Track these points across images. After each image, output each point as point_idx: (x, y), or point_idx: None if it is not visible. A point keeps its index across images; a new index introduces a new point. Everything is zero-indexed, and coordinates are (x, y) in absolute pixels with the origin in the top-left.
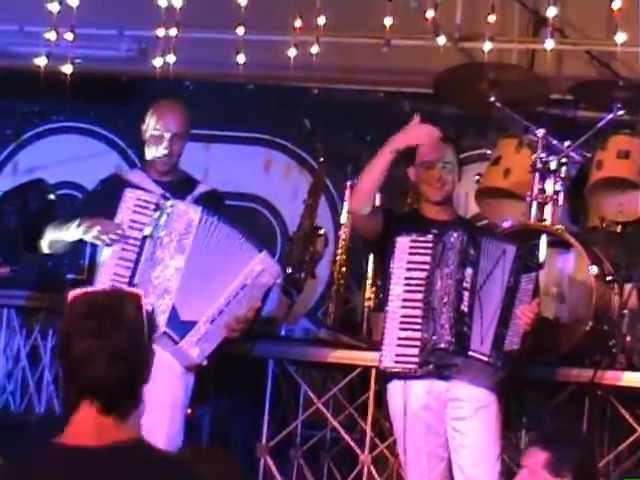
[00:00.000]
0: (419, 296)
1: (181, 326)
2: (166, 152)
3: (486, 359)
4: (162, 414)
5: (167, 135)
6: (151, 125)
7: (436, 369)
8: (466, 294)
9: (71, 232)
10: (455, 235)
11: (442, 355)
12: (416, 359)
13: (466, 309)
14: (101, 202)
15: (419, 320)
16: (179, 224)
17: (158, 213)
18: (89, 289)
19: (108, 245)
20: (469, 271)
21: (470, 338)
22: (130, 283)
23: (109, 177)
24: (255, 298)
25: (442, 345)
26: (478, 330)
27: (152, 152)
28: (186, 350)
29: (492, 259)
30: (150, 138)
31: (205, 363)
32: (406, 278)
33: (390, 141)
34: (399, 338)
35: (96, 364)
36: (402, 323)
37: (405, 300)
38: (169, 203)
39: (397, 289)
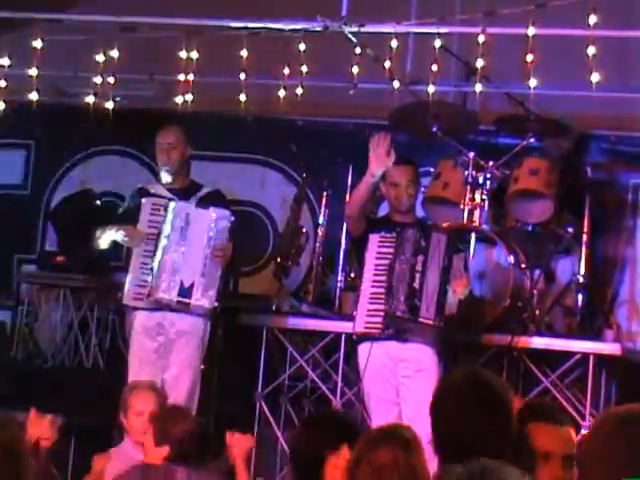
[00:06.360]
0: (383, 278)
1: (186, 291)
2: (165, 158)
3: (432, 322)
4: (185, 372)
5: (164, 145)
6: (156, 143)
7: (395, 333)
8: (417, 275)
9: (110, 234)
10: (410, 231)
11: (399, 321)
12: (380, 325)
13: (417, 286)
14: (131, 212)
15: (383, 296)
16: (180, 219)
17: (166, 213)
18: None
19: (129, 246)
20: (420, 258)
21: (420, 308)
22: (152, 269)
23: (137, 189)
24: (224, 240)
25: (398, 313)
26: (425, 301)
27: (159, 162)
28: (197, 303)
29: (434, 247)
30: (156, 153)
31: (216, 304)
32: (375, 265)
33: (368, 169)
34: (368, 310)
35: None
36: (371, 298)
37: (374, 281)
38: (171, 205)
39: (368, 273)
